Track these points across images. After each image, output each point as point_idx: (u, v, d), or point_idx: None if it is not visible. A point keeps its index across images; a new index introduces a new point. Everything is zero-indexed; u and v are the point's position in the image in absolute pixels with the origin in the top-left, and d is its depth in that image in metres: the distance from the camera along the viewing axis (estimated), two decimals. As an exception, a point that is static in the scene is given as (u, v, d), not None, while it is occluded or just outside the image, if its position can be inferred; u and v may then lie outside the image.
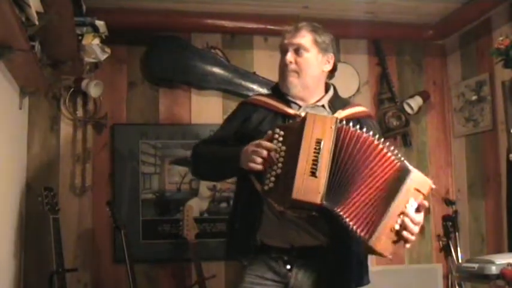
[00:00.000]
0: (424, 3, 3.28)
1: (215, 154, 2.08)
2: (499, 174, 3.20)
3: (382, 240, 1.73)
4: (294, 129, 1.85)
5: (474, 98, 3.42)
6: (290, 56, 2.07)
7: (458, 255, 3.06)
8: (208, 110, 3.41)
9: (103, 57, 2.90)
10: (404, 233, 1.74)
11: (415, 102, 3.56)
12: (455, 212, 3.34)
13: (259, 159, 1.84)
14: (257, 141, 1.88)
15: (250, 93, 3.39)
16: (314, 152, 1.75)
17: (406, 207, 1.74)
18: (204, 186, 3.34)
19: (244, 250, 2.00)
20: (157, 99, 3.39)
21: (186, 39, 3.43)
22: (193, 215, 3.14)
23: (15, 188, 2.84)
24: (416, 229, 1.77)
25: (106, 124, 3.29)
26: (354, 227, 1.74)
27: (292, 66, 2.07)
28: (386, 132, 3.48)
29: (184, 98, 3.43)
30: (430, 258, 3.54)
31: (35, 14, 2.00)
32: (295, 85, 2.08)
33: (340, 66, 3.43)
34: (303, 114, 1.98)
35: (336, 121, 1.80)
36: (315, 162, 1.74)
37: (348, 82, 3.52)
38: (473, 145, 3.47)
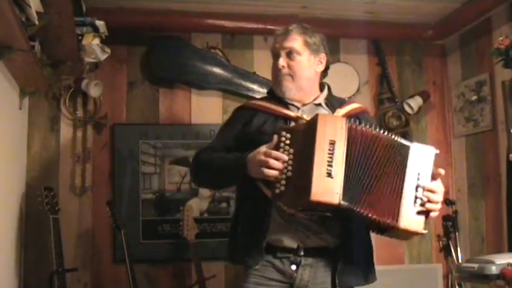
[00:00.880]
0: (424, 3, 3.28)
1: (218, 163, 2.05)
2: (499, 174, 3.20)
3: (410, 219, 1.79)
4: (302, 131, 1.85)
5: (474, 98, 3.42)
6: (282, 61, 2.07)
7: (458, 255, 3.06)
8: (208, 110, 3.41)
9: (103, 57, 2.90)
10: (428, 205, 1.81)
11: (415, 102, 3.56)
12: (455, 212, 3.34)
13: (271, 172, 1.82)
14: (264, 149, 1.86)
15: (250, 93, 3.39)
16: (328, 153, 1.76)
17: (418, 179, 1.81)
18: (204, 186, 3.34)
19: (253, 254, 1.98)
20: (157, 99, 3.39)
21: (186, 39, 3.43)
22: (193, 215, 3.14)
23: (15, 188, 2.84)
24: (437, 197, 1.83)
25: (106, 124, 3.29)
26: (377, 218, 1.78)
27: (286, 71, 2.07)
28: (386, 132, 3.47)
29: (184, 98, 3.43)
30: (430, 258, 3.54)
31: (35, 14, 2.00)
32: (290, 88, 2.08)
33: (340, 66, 3.52)
34: (304, 116, 2.00)
35: (346, 121, 1.82)
36: (330, 163, 1.75)
37: (348, 82, 3.52)
38: (473, 145, 3.47)
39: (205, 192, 3.34)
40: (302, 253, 1.97)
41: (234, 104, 2.27)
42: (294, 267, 1.97)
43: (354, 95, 3.54)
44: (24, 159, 3.12)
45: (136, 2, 3.17)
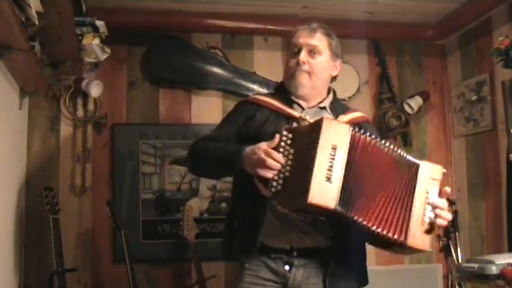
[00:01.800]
0: (424, 3, 3.28)
1: (215, 152, 2.04)
2: (499, 174, 3.20)
3: (418, 237, 1.81)
4: (305, 132, 1.84)
5: (474, 98, 3.42)
6: (304, 56, 2.05)
7: (458, 255, 3.06)
8: (208, 110, 3.41)
9: (103, 57, 2.91)
10: (438, 221, 1.85)
11: (415, 102, 3.56)
12: (455, 212, 3.34)
13: (268, 173, 1.82)
14: (265, 147, 1.84)
15: (250, 93, 3.38)
16: (330, 158, 1.76)
17: (428, 197, 1.83)
18: (204, 186, 3.34)
19: (246, 251, 1.99)
20: (157, 99, 3.39)
21: (186, 39, 3.43)
22: (193, 215, 3.14)
23: (15, 188, 2.84)
24: (445, 214, 1.86)
25: (106, 124, 3.29)
26: (384, 233, 1.79)
27: (306, 67, 2.05)
28: (386, 132, 3.48)
29: (184, 98, 3.43)
30: (430, 258, 3.54)
31: (35, 14, 2.00)
32: (305, 85, 2.07)
33: (340, 66, 3.51)
34: (307, 118, 1.99)
35: (350, 129, 1.82)
36: (330, 167, 1.75)
37: (348, 82, 3.52)
38: (473, 145, 3.47)
39: (205, 192, 3.34)
40: (295, 254, 1.97)
41: (234, 104, 2.27)
42: (287, 267, 1.97)
43: (354, 95, 3.54)
44: (24, 160, 3.12)
45: (136, 2, 3.17)
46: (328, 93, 2.17)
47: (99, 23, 2.77)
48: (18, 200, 2.89)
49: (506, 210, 3.03)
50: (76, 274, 3.02)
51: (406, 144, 3.60)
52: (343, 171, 1.77)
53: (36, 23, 2.05)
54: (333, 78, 2.18)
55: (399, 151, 1.87)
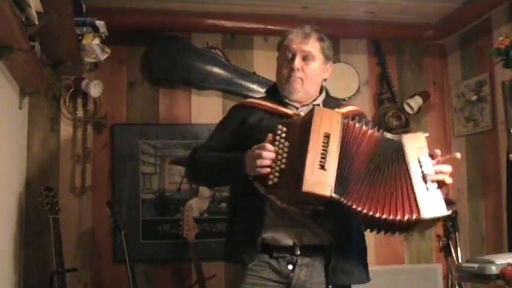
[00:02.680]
0: (424, 3, 3.28)
1: (216, 162, 2.05)
2: (499, 174, 3.20)
3: (431, 207, 1.76)
4: (298, 124, 1.86)
5: (474, 98, 3.42)
6: (298, 63, 2.07)
7: (458, 255, 3.06)
8: (208, 110, 3.41)
9: (103, 57, 2.91)
10: (440, 177, 1.80)
11: (415, 102, 3.56)
12: (455, 212, 3.34)
13: (265, 161, 1.83)
14: (259, 144, 1.87)
15: (250, 93, 3.39)
16: (322, 146, 1.76)
17: (422, 165, 1.80)
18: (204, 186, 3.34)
19: (249, 252, 1.98)
20: (157, 99, 3.39)
21: (186, 39, 3.43)
22: (193, 215, 3.14)
23: (15, 188, 2.84)
24: (446, 168, 1.82)
25: (106, 124, 3.29)
26: (390, 216, 1.75)
27: (300, 74, 2.07)
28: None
29: (184, 98, 3.43)
30: (430, 258, 3.54)
31: (35, 14, 2.00)
32: (299, 91, 2.09)
33: (340, 66, 3.52)
34: (302, 114, 2.01)
35: (342, 116, 1.83)
36: (324, 155, 1.75)
37: (348, 82, 3.52)
38: (473, 145, 3.47)
39: (205, 192, 3.34)
40: (298, 252, 1.97)
41: (234, 104, 2.28)
42: (290, 267, 1.97)
43: (353, 95, 3.54)
44: (24, 159, 3.12)
45: (136, 2, 3.17)
46: (321, 92, 2.19)
47: (99, 23, 2.77)
48: (18, 200, 2.89)
49: (506, 210, 3.03)
50: (76, 274, 3.02)
51: (406, 144, 3.60)
52: (337, 159, 1.77)
53: (36, 23, 2.05)
54: (325, 79, 2.20)
55: (383, 133, 1.87)
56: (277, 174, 1.82)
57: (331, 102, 2.18)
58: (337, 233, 1.97)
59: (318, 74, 2.12)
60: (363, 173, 1.80)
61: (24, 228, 3.02)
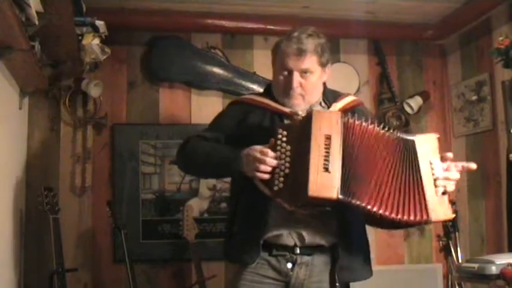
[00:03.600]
0: (424, 3, 3.28)
1: (210, 154, 2.03)
2: (499, 174, 3.20)
3: (438, 210, 1.80)
4: (298, 127, 1.85)
5: (474, 98, 3.42)
6: (296, 81, 2.02)
7: (458, 255, 3.06)
8: (208, 110, 3.39)
9: (103, 57, 2.90)
10: (450, 185, 1.84)
11: (415, 102, 3.56)
12: (455, 212, 3.33)
13: (267, 168, 1.82)
14: (261, 148, 1.85)
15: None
16: (325, 148, 1.76)
17: (433, 168, 1.83)
18: (204, 186, 3.34)
19: (250, 251, 1.98)
20: (157, 99, 3.39)
21: (186, 39, 3.43)
22: (193, 215, 3.14)
23: (15, 188, 2.84)
24: (454, 175, 1.86)
25: (106, 124, 3.29)
26: (403, 217, 1.76)
27: (299, 90, 2.04)
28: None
29: (184, 98, 3.43)
30: (430, 258, 3.54)
31: (35, 14, 2.00)
32: (299, 105, 2.05)
33: (340, 66, 3.51)
34: (300, 112, 1.99)
35: (341, 116, 1.82)
36: (327, 157, 1.75)
37: (348, 82, 3.52)
38: (473, 145, 3.47)
39: (205, 192, 3.34)
40: (298, 251, 1.97)
41: (233, 100, 2.27)
42: (289, 265, 1.97)
43: (353, 95, 3.53)
44: (24, 160, 3.12)
45: (136, 2, 3.17)
46: None
47: (99, 23, 2.77)
48: (18, 200, 2.89)
49: (506, 210, 3.03)
50: (76, 274, 3.02)
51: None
52: (341, 159, 1.77)
53: (36, 23, 2.05)
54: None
55: (394, 132, 1.87)
56: (282, 179, 1.82)
57: (330, 94, 2.16)
58: (343, 232, 1.97)
59: (318, 84, 2.09)
60: (371, 171, 1.80)
61: (24, 228, 3.01)
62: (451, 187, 1.85)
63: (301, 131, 1.82)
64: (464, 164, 1.91)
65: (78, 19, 2.63)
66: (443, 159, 1.87)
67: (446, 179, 1.84)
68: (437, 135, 1.91)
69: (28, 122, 3.18)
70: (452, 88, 3.67)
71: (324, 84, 2.18)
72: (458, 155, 3.59)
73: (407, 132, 3.56)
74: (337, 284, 1.96)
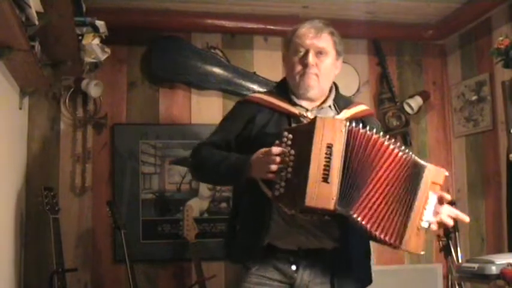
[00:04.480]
0: (424, 3, 3.28)
1: (221, 162, 2.00)
2: (499, 174, 3.20)
3: (412, 241, 1.76)
4: (303, 132, 1.82)
5: (474, 98, 3.42)
6: (313, 59, 2.00)
7: (458, 255, 3.05)
8: (208, 110, 3.41)
9: (103, 57, 2.90)
10: (432, 227, 1.79)
11: (415, 102, 3.56)
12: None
13: (273, 167, 1.81)
14: (266, 149, 1.84)
15: (250, 93, 3.38)
16: (325, 157, 1.73)
17: (427, 202, 1.77)
18: (204, 186, 3.34)
19: (253, 255, 1.97)
20: (157, 99, 3.39)
21: (186, 39, 3.43)
22: (193, 215, 3.14)
23: (15, 188, 2.84)
24: (447, 220, 1.82)
25: (106, 124, 3.29)
26: (380, 235, 1.76)
27: (314, 70, 2.01)
28: (386, 132, 3.48)
29: (184, 98, 3.43)
30: (430, 258, 3.54)
31: (35, 14, 2.00)
32: (314, 88, 2.03)
33: (340, 66, 3.51)
34: (309, 114, 1.99)
35: (346, 124, 1.78)
36: (327, 167, 1.72)
37: (348, 82, 3.51)
38: (473, 145, 3.47)
39: (205, 192, 3.34)
40: (301, 254, 1.96)
41: (241, 99, 2.26)
42: (294, 267, 1.97)
43: (353, 95, 3.54)
44: (24, 159, 3.12)
45: (136, 2, 3.17)
46: (331, 89, 2.14)
47: (99, 23, 2.77)
48: (18, 200, 2.89)
49: (506, 210, 3.03)
50: (76, 274, 3.02)
51: (406, 144, 3.60)
52: (341, 170, 1.74)
53: (36, 23, 2.05)
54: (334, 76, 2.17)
55: (407, 151, 1.82)
56: (283, 184, 1.80)
57: (342, 100, 2.13)
58: (344, 238, 1.96)
59: (332, 70, 2.07)
60: (368, 182, 1.77)
61: (24, 228, 3.02)
62: (434, 227, 1.81)
63: (304, 137, 1.79)
64: (460, 214, 1.87)
65: (78, 19, 2.63)
66: (441, 199, 1.81)
67: (436, 219, 1.80)
68: (447, 174, 1.85)
69: (28, 122, 3.18)
70: (452, 88, 3.67)
71: (337, 87, 2.16)
72: (458, 155, 3.62)
73: (407, 133, 3.59)
74: None
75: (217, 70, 3.43)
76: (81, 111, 3.27)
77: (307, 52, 2.01)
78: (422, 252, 1.81)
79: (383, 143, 1.79)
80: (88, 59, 2.88)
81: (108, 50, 2.90)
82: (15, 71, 2.54)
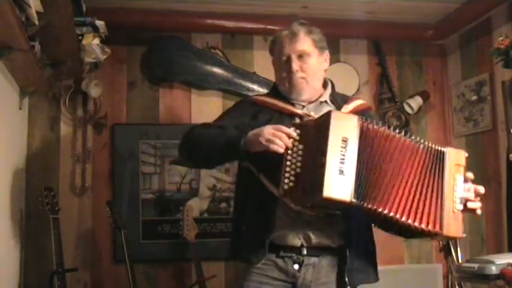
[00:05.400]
0: (424, 3, 3.28)
1: (216, 136, 2.00)
2: (499, 174, 3.20)
3: (452, 225, 1.80)
4: (313, 127, 1.84)
5: (474, 98, 3.42)
6: (295, 64, 2.05)
7: (458, 255, 3.05)
8: (208, 110, 3.41)
9: (103, 57, 2.90)
10: (469, 205, 1.85)
11: (415, 102, 3.56)
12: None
13: (280, 142, 1.81)
14: (277, 126, 1.86)
15: (250, 93, 3.38)
16: (341, 150, 1.75)
17: (456, 184, 1.84)
18: (204, 186, 3.34)
19: (257, 251, 1.97)
20: (157, 99, 3.39)
21: (186, 39, 3.43)
22: (193, 215, 3.14)
23: (15, 188, 2.84)
24: (476, 203, 1.87)
25: (106, 124, 3.29)
26: (418, 224, 1.77)
27: (300, 74, 2.05)
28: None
29: (184, 98, 3.43)
30: (430, 258, 3.54)
31: (35, 14, 2.00)
32: (305, 90, 2.07)
33: (340, 66, 3.52)
34: (312, 113, 2.00)
35: (359, 118, 1.81)
36: (343, 160, 1.74)
37: (348, 82, 3.52)
38: (473, 145, 3.47)
39: (205, 192, 3.34)
40: (305, 252, 1.96)
41: (243, 98, 2.26)
42: (296, 266, 1.97)
43: (353, 95, 3.53)
44: (24, 160, 3.12)
45: (136, 2, 3.17)
46: (326, 85, 2.16)
47: (99, 23, 2.77)
48: (18, 200, 2.89)
49: (506, 210, 3.03)
50: (76, 274, 3.02)
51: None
52: (356, 163, 1.76)
53: (36, 23, 2.05)
54: (325, 71, 2.18)
55: (416, 138, 1.86)
56: (292, 178, 1.80)
57: (338, 97, 2.16)
58: (350, 234, 1.97)
59: (318, 68, 2.10)
60: (386, 176, 1.79)
61: (24, 228, 3.02)
62: (470, 205, 1.86)
63: (316, 131, 1.81)
64: (482, 190, 1.92)
65: (78, 19, 2.63)
66: (465, 179, 1.88)
67: (467, 199, 1.85)
68: (466, 154, 1.91)
69: (28, 122, 3.18)
70: (452, 88, 3.67)
71: (333, 85, 2.18)
72: (458, 155, 3.61)
73: (408, 132, 3.58)
74: (348, 287, 1.96)
75: (217, 70, 3.43)
76: (81, 111, 3.27)
77: (289, 58, 2.06)
78: (464, 235, 1.84)
79: (394, 135, 1.83)
80: (88, 59, 2.88)
81: (108, 50, 2.90)
82: (15, 71, 2.54)
